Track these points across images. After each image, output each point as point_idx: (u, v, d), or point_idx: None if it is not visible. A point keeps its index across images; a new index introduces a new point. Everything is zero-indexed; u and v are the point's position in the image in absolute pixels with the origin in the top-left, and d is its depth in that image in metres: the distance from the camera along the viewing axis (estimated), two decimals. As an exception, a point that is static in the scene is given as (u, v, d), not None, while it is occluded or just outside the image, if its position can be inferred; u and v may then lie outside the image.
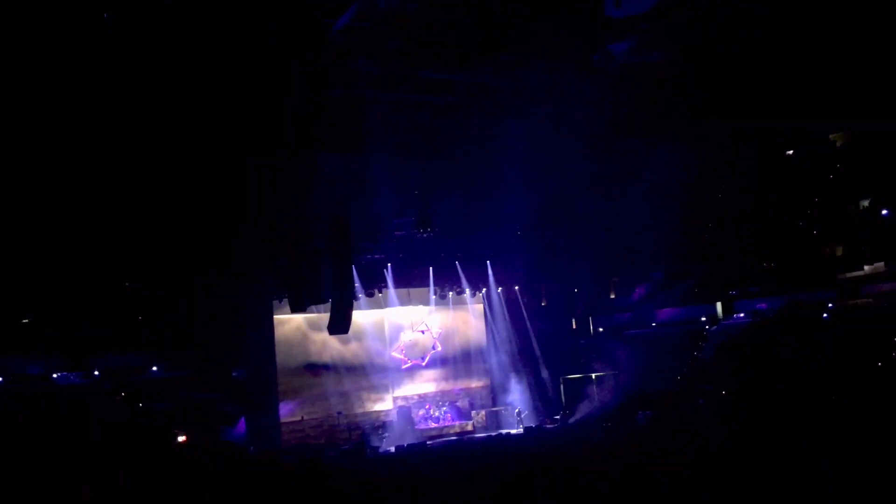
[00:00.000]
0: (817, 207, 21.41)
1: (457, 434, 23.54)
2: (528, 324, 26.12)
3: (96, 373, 18.92)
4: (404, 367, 25.11)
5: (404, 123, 16.40)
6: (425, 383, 25.37)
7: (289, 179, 17.78)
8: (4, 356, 17.80)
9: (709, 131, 19.16)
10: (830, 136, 20.63)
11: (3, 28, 9.98)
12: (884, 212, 20.15)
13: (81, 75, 12.37)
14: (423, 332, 25.75)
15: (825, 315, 20.87)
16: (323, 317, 21.56)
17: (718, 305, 24.14)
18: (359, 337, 24.13)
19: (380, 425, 22.72)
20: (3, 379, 17.64)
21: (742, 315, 23.32)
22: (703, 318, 24.23)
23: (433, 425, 23.85)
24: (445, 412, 24.42)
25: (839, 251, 21.21)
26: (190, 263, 19.06)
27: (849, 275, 21.02)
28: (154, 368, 19.81)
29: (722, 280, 23.80)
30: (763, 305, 22.83)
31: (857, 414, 14.07)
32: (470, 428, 24.26)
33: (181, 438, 16.57)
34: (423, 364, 25.51)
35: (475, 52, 12.96)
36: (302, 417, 22.66)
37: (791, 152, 21.43)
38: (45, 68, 12.27)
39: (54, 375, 18.43)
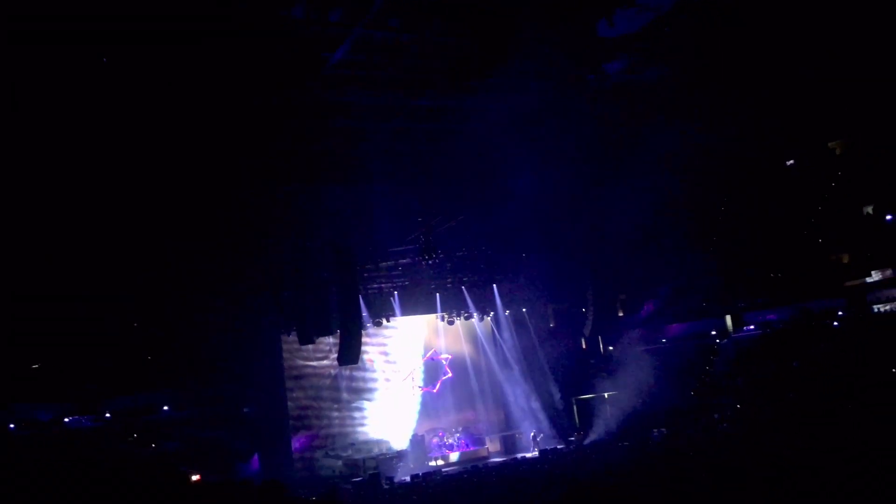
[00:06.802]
0: (821, 216, 21.37)
1: (471, 460, 23.36)
2: (538, 346, 26.02)
3: (107, 415, 18.90)
4: (415, 394, 25.01)
5: (402, 151, 16.48)
6: (437, 410, 25.23)
7: (290, 212, 17.85)
8: (16, 403, 17.80)
9: (708, 142, 19.21)
10: (830, 145, 20.67)
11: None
12: (888, 217, 20.11)
13: (90, 107, 12.44)
14: (433, 358, 25.68)
15: (835, 323, 20.76)
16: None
17: (728, 318, 24.03)
18: (368, 366, 24.10)
19: (393, 455, 22.56)
20: (16, 426, 17.61)
21: (752, 327, 23.20)
22: (713, 332, 24.10)
23: (447, 452, 23.68)
24: (459, 439, 24.25)
25: (845, 258, 21.15)
26: (196, 301, 19.09)
27: (855, 282, 20.93)
28: (165, 408, 19.77)
29: (730, 292, 23.70)
30: (773, 316, 22.72)
31: (873, 421, 13.95)
32: (484, 453, 24.08)
33: (195, 478, 16.48)
34: (435, 391, 25.40)
35: (468, 78, 13.05)
36: (314, 450, 22.60)
37: (791, 162, 21.44)
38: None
39: (66, 420, 18.41)
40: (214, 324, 19.86)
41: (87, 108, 12.02)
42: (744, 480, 11.47)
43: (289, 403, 22.57)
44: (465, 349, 26.20)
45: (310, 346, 22.14)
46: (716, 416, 20.39)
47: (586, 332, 25.29)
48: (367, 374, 24.12)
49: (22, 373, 17.68)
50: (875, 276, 20.48)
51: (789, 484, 10.54)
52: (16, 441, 17.35)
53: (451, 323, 25.48)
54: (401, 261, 22.80)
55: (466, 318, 25.75)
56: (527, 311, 26.31)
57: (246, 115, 13.60)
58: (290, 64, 12.44)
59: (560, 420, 25.11)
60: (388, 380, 24.70)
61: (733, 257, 22.64)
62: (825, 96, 16.81)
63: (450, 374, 25.68)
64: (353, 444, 22.79)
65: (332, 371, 23.46)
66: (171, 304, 18.95)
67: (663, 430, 20.91)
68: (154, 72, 11.65)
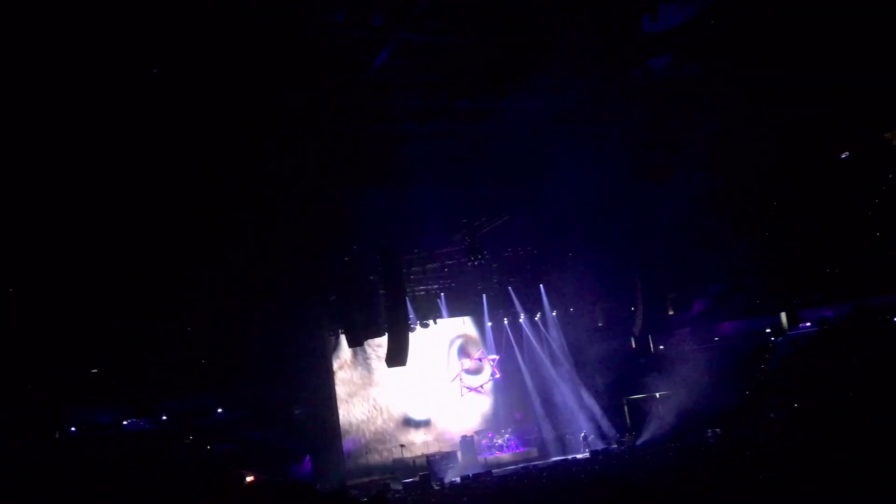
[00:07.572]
0: (878, 209, 20.75)
1: (521, 461, 23.29)
2: (587, 345, 25.78)
3: (164, 418, 19.35)
4: (464, 395, 25.05)
5: (445, 153, 16.51)
6: (486, 411, 25.23)
7: (336, 216, 18.04)
8: (76, 406, 18.35)
9: (759, 136, 18.81)
10: (886, 136, 20.05)
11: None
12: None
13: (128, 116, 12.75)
14: (480, 359, 25.68)
15: (895, 319, 20.15)
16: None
17: (783, 315, 23.47)
18: (417, 368, 24.19)
19: (444, 456, 22.61)
20: (76, 428, 18.17)
21: (808, 324, 22.64)
22: (768, 330, 23.58)
23: (497, 453, 23.65)
24: (509, 439, 24.21)
25: (904, 253, 20.50)
26: (248, 305, 19.41)
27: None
28: (219, 410, 20.15)
29: (785, 289, 23.17)
30: (829, 313, 22.13)
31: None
32: (534, 454, 23.99)
33: (249, 479, 16.75)
34: (483, 391, 25.40)
35: (510, 78, 13.02)
36: (366, 452, 22.82)
37: (846, 154, 20.86)
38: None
39: (124, 423, 18.91)
40: (265, 327, 20.15)
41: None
42: (800, 481, 11.22)
43: (339, 405, 22.83)
44: (513, 350, 26.13)
45: (358, 348, 22.37)
46: (772, 415, 19.94)
47: (636, 331, 24.94)
48: (416, 376, 24.19)
49: (81, 377, 18.22)
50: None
51: (848, 483, 10.28)
52: (77, 443, 17.89)
53: (498, 324, 25.45)
54: (447, 262, 22.86)
55: (514, 319, 25.68)
56: (574, 310, 26.09)
57: (293, 119, 13.80)
58: (333, 69, 12.59)
59: (611, 420, 24.84)
60: (436, 381, 24.76)
61: (788, 253, 22.14)
62: (878, 86, 16.33)
63: (498, 375, 25.66)
64: (403, 445, 22.91)
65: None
66: (224, 308, 19.30)
67: (717, 430, 20.55)
68: (202, 77, 11.90)
